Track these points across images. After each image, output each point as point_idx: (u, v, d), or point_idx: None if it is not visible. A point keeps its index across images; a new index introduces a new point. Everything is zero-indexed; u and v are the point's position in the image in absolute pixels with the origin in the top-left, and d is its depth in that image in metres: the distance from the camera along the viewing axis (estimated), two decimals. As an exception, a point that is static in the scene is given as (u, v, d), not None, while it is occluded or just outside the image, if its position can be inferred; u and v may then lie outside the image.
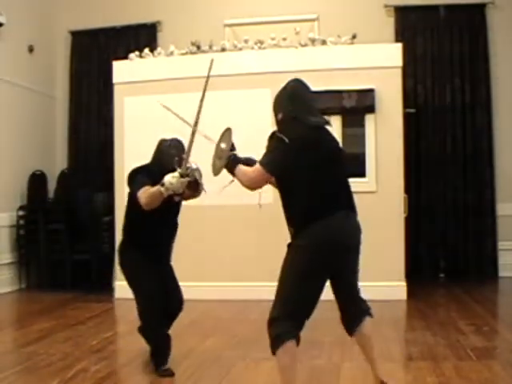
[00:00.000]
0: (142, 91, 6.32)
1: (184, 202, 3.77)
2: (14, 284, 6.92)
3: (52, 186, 7.53)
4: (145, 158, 6.28)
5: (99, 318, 5.39)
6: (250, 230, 6.00)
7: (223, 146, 3.01)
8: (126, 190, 6.31)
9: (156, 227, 3.69)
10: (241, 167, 2.93)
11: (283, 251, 2.84)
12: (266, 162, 2.81)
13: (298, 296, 2.71)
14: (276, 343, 2.68)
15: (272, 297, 2.78)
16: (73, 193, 7.24)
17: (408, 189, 6.14)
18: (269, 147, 2.85)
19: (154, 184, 3.47)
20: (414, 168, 6.88)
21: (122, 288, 6.26)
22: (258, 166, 2.85)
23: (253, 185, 2.89)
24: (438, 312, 5.32)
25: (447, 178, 7.07)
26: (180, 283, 3.91)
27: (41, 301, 6.26)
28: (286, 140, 2.75)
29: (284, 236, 2.95)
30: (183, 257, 6.06)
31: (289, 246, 2.86)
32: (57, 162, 7.87)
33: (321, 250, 2.73)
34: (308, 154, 2.78)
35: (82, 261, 6.88)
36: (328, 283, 2.86)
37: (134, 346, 4.37)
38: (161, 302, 3.71)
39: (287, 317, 2.69)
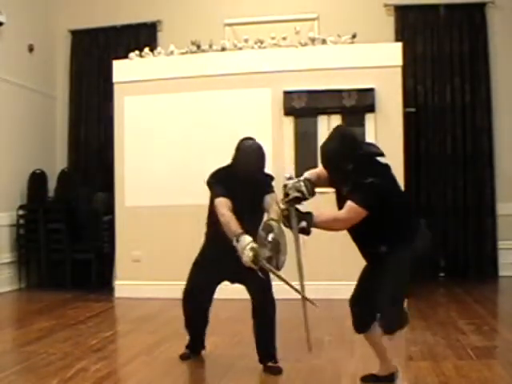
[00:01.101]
0: (142, 90, 6.32)
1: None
2: (14, 283, 6.91)
3: (52, 185, 7.52)
4: (145, 157, 6.32)
5: (99, 318, 5.39)
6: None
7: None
8: (127, 189, 6.39)
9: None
10: (321, 218, 3.03)
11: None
12: (363, 200, 2.96)
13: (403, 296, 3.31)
14: (399, 326, 3.18)
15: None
16: (73, 192, 7.23)
17: (408, 189, 6.14)
18: (360, 188, 2.99)
19: (228, 190, 3.45)
20: (413, 168, 6.87)
21: (121, 287, 6.29)
22: (352, 205, 2.95)
23: (349, 225, 3.03)
24: (438, 311, 5.32)
25: (447, 178, 7.06)
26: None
27: (41, 300, 6.25)
28: (378, 181, 3.00)
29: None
30: (183, 256, 6.07)
31: (380, 258, 3.09)
32: (57, 161, 7.87)
33: (418, 261, 3.25)
34: (391, 180, 3.15)
35: (82, 260, 6.88)
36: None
37: (134, 346, 4.38)
38: (196, 304, 3.77)
39: (402, 310, 3.24)
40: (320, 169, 3.30)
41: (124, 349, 4.49)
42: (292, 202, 3.06)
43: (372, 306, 3.14)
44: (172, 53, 6.41)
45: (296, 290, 3.13)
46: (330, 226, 3.06)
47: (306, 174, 3.22)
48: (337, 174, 3.14)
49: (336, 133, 3.23)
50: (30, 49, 7.43)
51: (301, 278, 3.13)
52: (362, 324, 3.21)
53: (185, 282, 3.82)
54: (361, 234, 3.11)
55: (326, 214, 3.07)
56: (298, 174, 3.37)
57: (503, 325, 4.75)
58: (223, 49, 6.30)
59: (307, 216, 3.03)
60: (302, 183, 3.12)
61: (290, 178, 3.17)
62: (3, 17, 6.70)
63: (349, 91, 5.93)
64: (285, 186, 3.13)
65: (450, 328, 4.59)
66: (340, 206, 3.13)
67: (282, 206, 3.13)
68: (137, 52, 6.48)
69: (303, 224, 3.00)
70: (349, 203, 2.97)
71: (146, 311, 5.54)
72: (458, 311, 5.16)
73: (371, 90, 5.90)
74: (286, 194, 3.09)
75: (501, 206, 7.00)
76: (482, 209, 6.99)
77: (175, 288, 5.53)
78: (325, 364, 3.75)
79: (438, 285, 6.73)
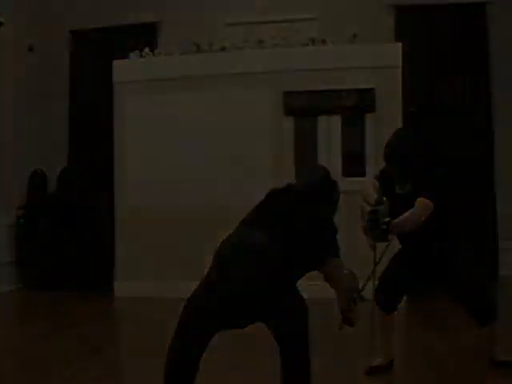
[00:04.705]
0: (142, 90, 6.33)
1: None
2: (13, 283, 6.92)
3: (52, 185, 7.53)
4: (145, 157, 6.31)
5: (99, 318, 5.39)
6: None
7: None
8: (127, 189, 6.39)
9: None
10: (396, 221, 3.20)
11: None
12: (432, 194, 3.24)
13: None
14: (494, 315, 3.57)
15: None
16: (73, 192, 7.23)
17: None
18: (429, 184, 3.29)
19: None
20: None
21: (121, 287, 6.30)
22: (426, 202, 3.21)
23: (421, 221, 3.23)
24: (438, 312, 5.31)
25: (447, 177, 7.05)
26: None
27: (41, 300, 6.26)
28: (443, 177, 3.41)
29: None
30: (183, 256, 6.08)
31: (454, 255, 3.51)
32: (57, 161, 7.86)
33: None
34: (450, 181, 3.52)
35: (82, 260, 6.87)
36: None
37: (134, 346, 4.38)
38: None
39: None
40: (372, 181, 3.47)
41: (124, 349, 4.49)
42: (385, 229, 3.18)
43: (401, 291, 3.61)
44: (172, 53, 6.41)
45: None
46: (405, 225, 3.21)
47: (376, 195, 3.26)
48: (400, 171, 3.31)
49: (400, 132, 3.53)
50: (30, 49, 7.43)
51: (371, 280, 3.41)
52: (392, 305, 3.56)
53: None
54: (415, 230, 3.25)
55: (400, 218, 3.21)
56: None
57: (503, 325, 4.74)
58: (223, 49, 6.30)
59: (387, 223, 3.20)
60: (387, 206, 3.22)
61: (379, 203, 3.20)
62: (3, 17, 6.70)
63: (349, 91, 5.94)
64: (375, 211, 3.17)
65: (450, 328, 4.59)
66: (395, 206, 3.22)
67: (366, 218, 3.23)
68: (137, 52, 6.49)
69: (383, 227, 3.15)
70: (420, 199, 3.21)
71: (146, 311, 5.55)
72: (458, 311, 5.15)
73: (371, 90, 5.90)
74: (376, 220, 3.16)
75: (501, 206, 7.00)
76: (482, 209, 6.97)
77: (175, 287, 5.57)
78: (325, 364, 3.75)
79: (438, 285, 6.70)
